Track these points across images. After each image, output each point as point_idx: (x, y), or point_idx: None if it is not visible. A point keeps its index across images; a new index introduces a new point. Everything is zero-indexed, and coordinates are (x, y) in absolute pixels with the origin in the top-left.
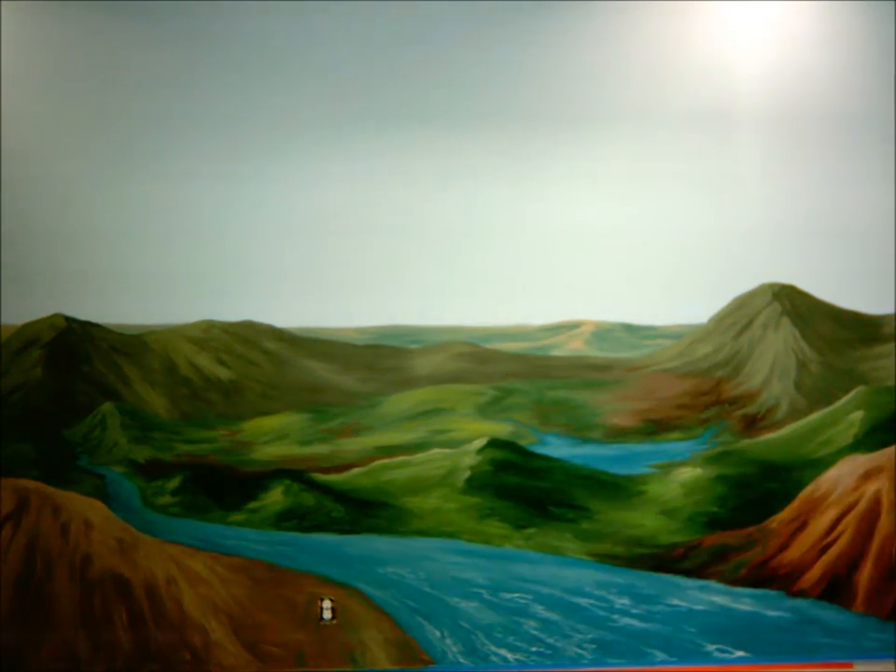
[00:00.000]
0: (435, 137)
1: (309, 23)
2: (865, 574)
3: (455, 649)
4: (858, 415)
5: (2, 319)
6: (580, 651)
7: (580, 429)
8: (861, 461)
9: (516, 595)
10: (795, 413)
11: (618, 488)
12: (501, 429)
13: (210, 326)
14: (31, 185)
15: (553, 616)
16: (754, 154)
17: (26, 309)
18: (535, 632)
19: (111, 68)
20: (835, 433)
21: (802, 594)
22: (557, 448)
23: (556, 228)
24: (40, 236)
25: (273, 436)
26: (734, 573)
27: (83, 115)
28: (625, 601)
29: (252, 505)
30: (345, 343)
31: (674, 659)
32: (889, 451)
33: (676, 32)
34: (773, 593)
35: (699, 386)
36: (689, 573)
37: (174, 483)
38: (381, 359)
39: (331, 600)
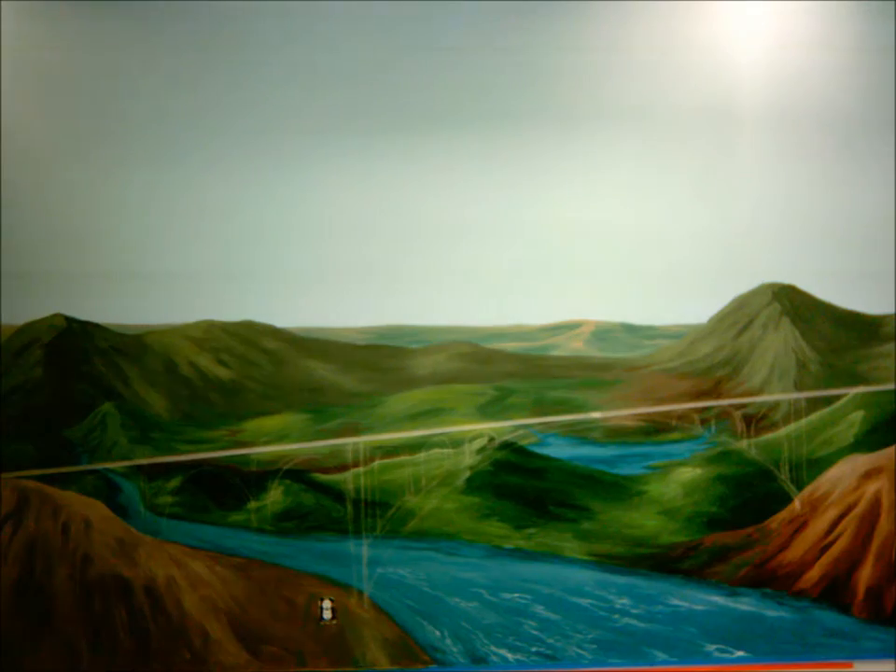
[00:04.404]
0: (436, 138)
1: (310, 27)
2: (865, 574)
3: (454, 649)
4: (858, 415)
5: (2, 319)
6: (580, 650)
7: (580, 429)
8: (861, 461)
9: (516, 594)
10: (795, 413)
11: (618, 488)
12: (501, 429)
13: (210, 326)
14: (31, 185)
15: (553, 616)
16: (754, 154)
17: (26, 309)
18: (535, 632)
19: (112, 69)
20: (835, 433)
21: (802, 594)
22: (557, 448)
23: (556, 228)
24: (40, 236)
25: (273, 436)
26: (734, 573)
27: (84, 115)
28: (625, 601)
29: (252, 505)
30: (345, 343)
31: (674, 659)
32: (889, 451)
33: (676, 32)
34: (773, 593)
35: (699, 386)
36: (689, 573)
37: (174, 483)
38: (381, 359)
39: (331, 600)
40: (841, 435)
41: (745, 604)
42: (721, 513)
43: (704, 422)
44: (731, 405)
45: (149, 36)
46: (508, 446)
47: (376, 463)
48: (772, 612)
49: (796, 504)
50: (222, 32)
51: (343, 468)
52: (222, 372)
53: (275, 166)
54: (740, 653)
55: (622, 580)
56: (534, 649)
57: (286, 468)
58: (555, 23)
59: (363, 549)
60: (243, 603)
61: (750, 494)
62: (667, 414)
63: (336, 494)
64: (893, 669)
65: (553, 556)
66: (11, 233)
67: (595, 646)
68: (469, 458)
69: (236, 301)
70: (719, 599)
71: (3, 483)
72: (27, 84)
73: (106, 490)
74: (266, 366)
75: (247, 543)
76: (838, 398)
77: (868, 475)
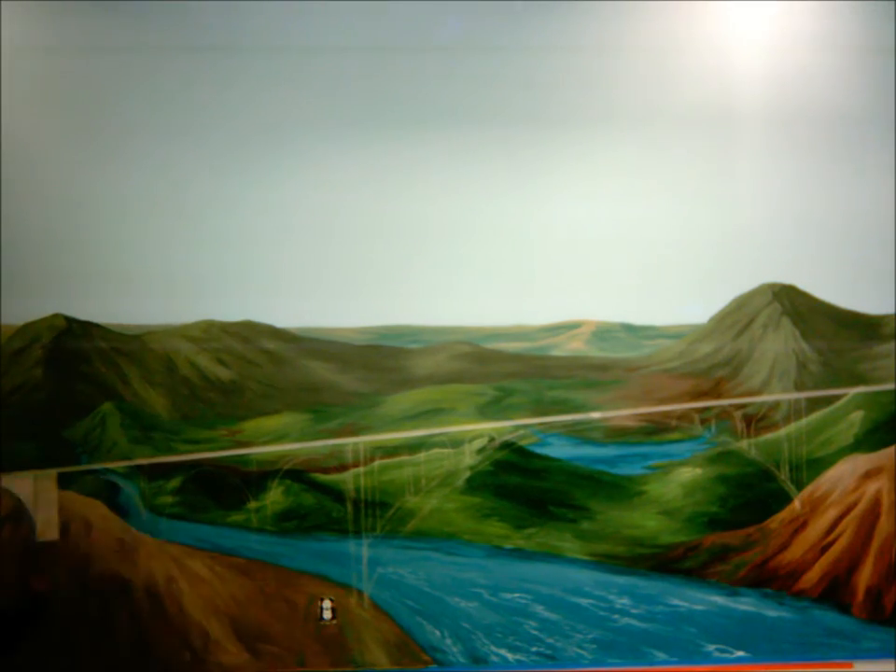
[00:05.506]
0: (435, 139)
1: (310, 26)
2: (865, 574)
3: (455, 649)
4: (858, 415)
5: (2, 319)
6: (580, 650)
7: (580, 429)
8: (861, 461)
9: (516, 594)
10: (795, 413)
11: (618, 488)
12: (501, 429)
13: (210, 326)
14: (31, 185)
15: (553, 616)
16: (754, 154)
17: (26, 309)
18: (535, 632)
19: (112, 69)
20: (835, 433)
21: (802, 594)
22: (557, 448)
23: (556, 228)
24: (40, 236)
25: (273, 436)
26: (734, 573)
27: (83, 115)
28: (625, 601)
29: (252, 505)
30: (345, 343)
31: (674, 659)
32: (888, 451)
33: (676, 32)
34: (773, 593)
35: (699, 386)
36: (689, 573)
37: (174, 483)
38: (381, 359)
39: (331, 600)
40: (841, 435)
41: (745, 604)
42: (721, 513)
43: (704, 422)
44: (731, 405)
45: (149, 36)
46: (508, 446)
47: (376, 463)
48: (772, 612)
49: (796, 504)
50: (222, 31)
51: (343, 468)
52: (222, 372)
53: (276, 166)
54: (740, 653)
55: (622, 580)
56: (534, 649)
57: (286, 468)
58: (557, 23)
59: (363, 549)
60: (243, 603)
61: (750, 494)
62: (667, 414)
63: (336, 494)
64: (893, 669)
65: (553, 556)
66: (11, 234)
67: (595, 646)
68: (469, 458)
69: (236, 301)
70: (719, 599)
71: (3, 483)
72: (27, 84)
73: (106, 490)
74: (266, 366)
75: (247, 543)
76: (838, 398)
77: (868, 475)
